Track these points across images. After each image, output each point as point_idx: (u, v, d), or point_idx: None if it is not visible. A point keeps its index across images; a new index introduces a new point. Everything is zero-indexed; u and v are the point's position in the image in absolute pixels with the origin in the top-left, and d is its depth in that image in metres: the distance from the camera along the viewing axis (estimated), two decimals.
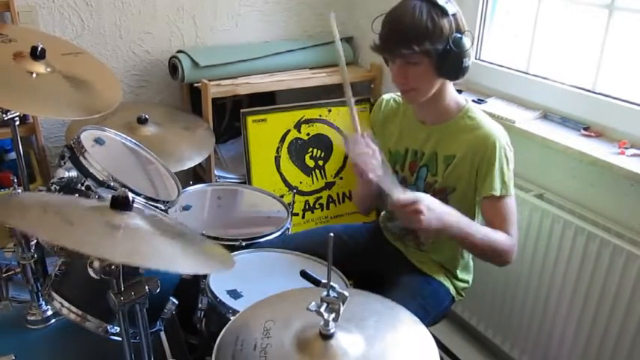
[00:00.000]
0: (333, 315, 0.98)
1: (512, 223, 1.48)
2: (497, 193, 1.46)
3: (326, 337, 0.99)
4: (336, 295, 0.99)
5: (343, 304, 0.99)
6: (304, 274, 1.36)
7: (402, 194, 1.37)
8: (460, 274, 1.67)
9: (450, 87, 1.53)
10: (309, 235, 1.81)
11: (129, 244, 1.00)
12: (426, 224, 1.34)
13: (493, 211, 1.50)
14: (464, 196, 1.55)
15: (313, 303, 0.99)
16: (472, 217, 1.57)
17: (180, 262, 1.05)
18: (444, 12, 1.38)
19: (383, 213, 1.85)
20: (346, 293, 0.99)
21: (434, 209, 1.36)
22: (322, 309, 0.98)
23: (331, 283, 0.99)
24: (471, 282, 1.71)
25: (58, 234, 0.96)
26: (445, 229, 1.40)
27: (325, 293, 0.99)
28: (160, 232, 1.09)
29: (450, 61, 1.40)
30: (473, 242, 1.46)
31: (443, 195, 1.56)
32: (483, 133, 1.48)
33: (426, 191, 1.58)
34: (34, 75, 1.46)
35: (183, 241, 1.15)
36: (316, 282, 1.32)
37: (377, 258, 1.59)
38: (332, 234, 0.98)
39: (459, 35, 1.39)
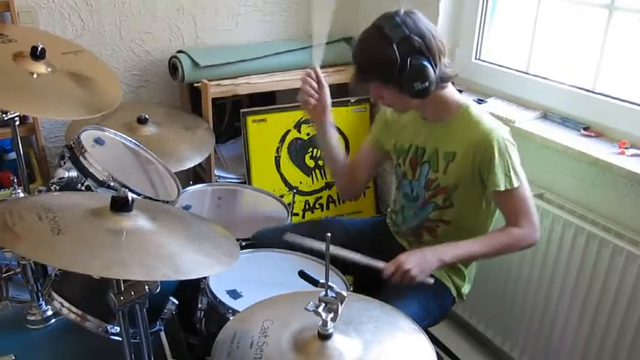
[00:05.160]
0: (331, 315, 0.98)
1: (522, 214, 1.52)
2: (502, 187, 1.49)
3: (324, 337, 0.99)
4: (334, 295, 0.99)
5: (342, 304, 0.99)
6: (303, 275, 1.36)
7: (382, 265, 1.47)
8: (465, 271, 1.67)
9: (448, 88, 1.56)
10: (312, 227, 1.80)
11: (130, 255, 0.99)
12: (421, 276, 1.45)
13: (503, 205, 1.55)
14: (467, 195, 1.57)
15: (311, 303, 0.99)
16: (477, 214, 1.61)
17: (187, 268, 1.05)
18: (389, 41, 1.42)
19: (389, 209, 1.85)
20: (344, 293, 0.99)
21: (418, 258, 1.46)
22: (320, 309, 0.98)
23: (329, 283, 0.99)
24: (472, 281, 1.71)
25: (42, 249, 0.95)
26: (443, 263, 1.50)
27: (323, 293, 0.99)
28: (165, 230, 1.09)
29: (405, 84, 1.45)
30: (479, 256, 1.57)
31: (446, 194, 1.58)
32: (481, 131, 1.51)
33: (427, 188, 1.61)
34: (35, 75, 1.46)
35: (189, 235, 1.14)
36: (315, 282, 1.32)
37: (379, 254, 1.60)
38: (329, 234, 0.98)
39: (413, 59, 1.42)
